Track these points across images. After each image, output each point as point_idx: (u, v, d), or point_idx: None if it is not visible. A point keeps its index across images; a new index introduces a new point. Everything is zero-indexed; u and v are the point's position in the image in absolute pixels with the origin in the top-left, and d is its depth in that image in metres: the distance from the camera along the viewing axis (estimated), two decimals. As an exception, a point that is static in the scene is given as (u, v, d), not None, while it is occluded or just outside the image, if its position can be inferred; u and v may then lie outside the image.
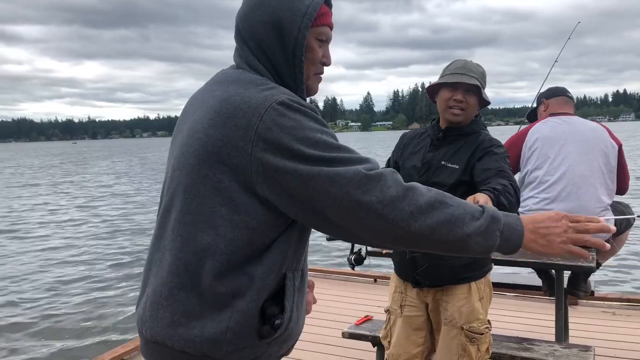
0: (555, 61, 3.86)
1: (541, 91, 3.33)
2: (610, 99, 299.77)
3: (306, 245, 1.28)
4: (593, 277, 4.08)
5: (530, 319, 4.07)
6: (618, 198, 3.26)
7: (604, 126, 3.09)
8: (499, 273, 4.46)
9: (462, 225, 1.12)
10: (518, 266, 2.94)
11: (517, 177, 3.16)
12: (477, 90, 2.19)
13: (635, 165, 20.07)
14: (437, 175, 2.21)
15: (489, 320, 2.26)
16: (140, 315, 1.24)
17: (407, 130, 2.67)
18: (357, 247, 2.54)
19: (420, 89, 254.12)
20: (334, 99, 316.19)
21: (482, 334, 2.18)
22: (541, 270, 3.34)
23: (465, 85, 2.18)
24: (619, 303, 4.45)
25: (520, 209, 3.08)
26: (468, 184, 2.13)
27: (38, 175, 31.57)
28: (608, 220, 1.76)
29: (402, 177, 2.38)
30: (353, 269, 2.60)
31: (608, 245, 1.22)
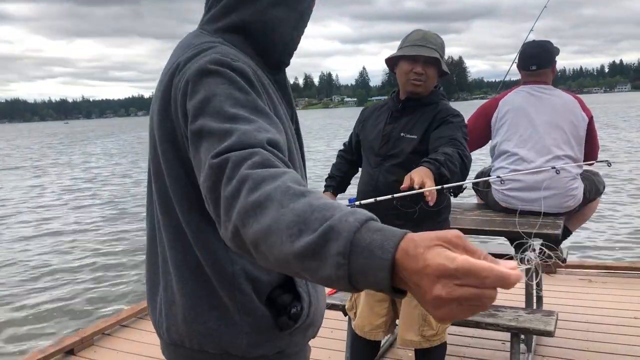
0: (531, 30, 3.83)
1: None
2: (606, 70, 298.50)
3: None
4: (567, 245, 4.15)
5: (505, 287, 4.13)
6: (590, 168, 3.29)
7: (576, 97, 3.09)
8: (471, 242, 4.52)
9: (284, 238, 0.71)
10: (486, 235, 2.98)
11: (489, 145, 3.20)
12: (436, 62, 2.19)
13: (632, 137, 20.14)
14: (396, 146, 2.23)
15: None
16: (157, 317, 1.17)
17: None
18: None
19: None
20: (329, 75, 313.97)
21: (443, 302, 2.22)
22: (512, 239, 3.38)
23: (424, 57, 2.18)
24: (596, 270, 4.52)
25: (490, 180, 3.11)
26: (424, 153, 2.14)
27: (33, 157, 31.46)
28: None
29: (364, 151, 2.41)
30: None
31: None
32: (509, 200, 3.02)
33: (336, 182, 2.61)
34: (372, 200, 1.97)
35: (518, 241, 3.31)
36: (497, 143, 3.06)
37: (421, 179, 1.70)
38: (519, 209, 2.99)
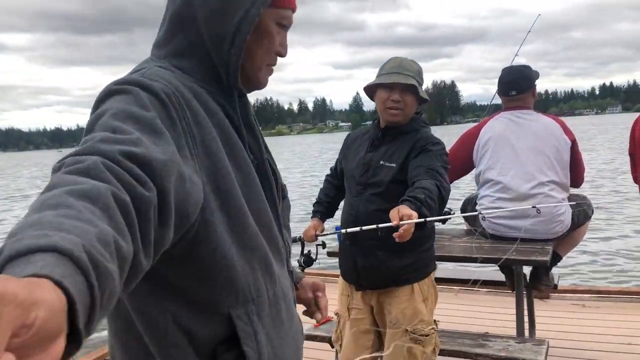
0: (516, 55, 3.86)
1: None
2: (597, 92, 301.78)
3: (260, 268, 1.00)
4: (559, 270, 4.12)
5: (497, 314, 4.08)
6: (576, 191, 3.28)
7: (558, 121, 3.09)
8: (464, 269, 4.48)
9: None
10: (475, 262, 2.95)
11: (473, 172, 3.18)
12: (413, 89, 2.18)
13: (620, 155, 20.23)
14: (376, 174, 2.21)
15: (435, 321, 2.26)
16: None
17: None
18: (306, 248, 2.53)
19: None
20: (324, 100, 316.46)
21: (427, 335, 2.18)
22: (503, 265, 3.35)
23: (401, 85, 2.17)
24: (589, 295, 4.47)
25: (477, 207, 3.09)
26: (404, 182, 2.11)
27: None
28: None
29: (346, 179, 2.39)
30: (303, 270, 2.59)
31: None
32: (496, 227, 2.99)
33: (323, 208, 2.58)
34: (357, 229, 1.96)
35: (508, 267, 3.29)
36: (480, 171, 3.05)
37: (400, 215, 1.70)
38: (507, 235, 2.97)
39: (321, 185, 2.67)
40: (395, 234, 1.69)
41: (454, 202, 5.22)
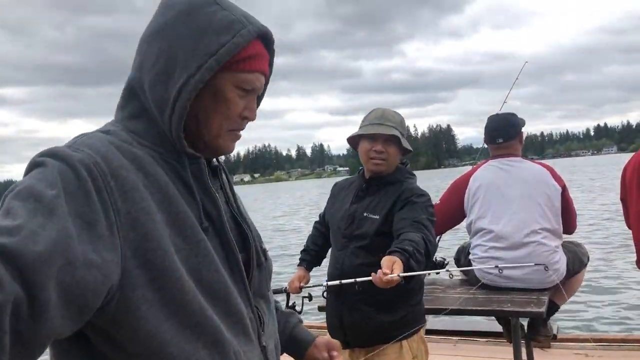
0: (504, 102, 3.87)
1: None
2: (592, 133, 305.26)
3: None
4: (560, 317, 4.00)
5: (497, 366, 3.94)
6: (570, 237, 3.23)
7: (547, 167, 3.07)
8: (462, 320, 4.35)
9: None
10: (469, 314, 2.85)
11: (464, 222, 3.13)
12: (396, 140, 2.16)
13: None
14: (360, 227, 2.17)
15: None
16: None
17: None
18: (291, 301, 2.45)
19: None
20: (321, 145, 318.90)
21: (418, 394, 2.08)
22: (499, 317, 3.25)
23: (384, 135, 2.16)
24: (592, 344, 4.33)
25: (470, 257, 3.02)
26: (389, 235, 2.07)
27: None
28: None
29: (332, 232, 2.34)
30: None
31: None
32: (490, 277, 2.91)
33: (310, 257, 2.53)
34: (337, 282, 1.92)
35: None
36: (472, 220, 3.00)
37: (391, 264, 1.65)
38: (501, 285, 2.89)
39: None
40: (378, 277, 1.65)
41: (445, 250, 5.15)
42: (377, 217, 2.14)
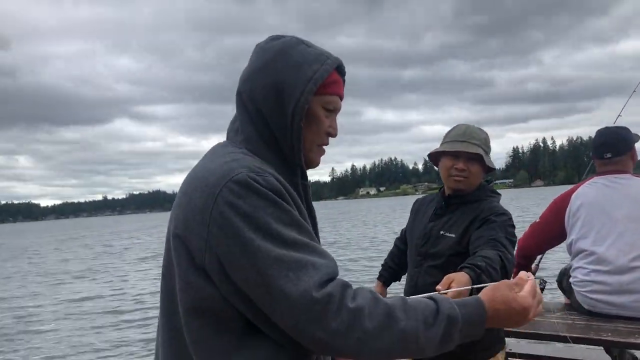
0: (619, 115, 3.60)
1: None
2: None
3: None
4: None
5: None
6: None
7: None
8: (561, 347, 4.04)
9: (416, 339, 1.03)
10: (564, 342, 2.68)
11: (564, 243, 2.94)
12: (479, 158, 2.13)
13: None
14: (435, 245, 2.15)
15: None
16: None
17: (422, 195, 2.63)
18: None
19: (541, 145, 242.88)
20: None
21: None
22: (609, 347, 3.01)
23: (467, 154, 2.13)
24: None
25: (571, 280, 2.85)
26: (465, 255, 2.02)
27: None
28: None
29: (409, 248, 2.33)
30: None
31: None
32: (592, 303, 2.72)
33: (388, 274, 2.57)
34: None
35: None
36: (572, 241, 2.81)
37: (449, 282, 1.63)
38: (605, 312, 2.69)
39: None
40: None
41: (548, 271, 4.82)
42: (453, 235, 2.11)
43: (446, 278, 1.68)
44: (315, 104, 1.16)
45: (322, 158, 1.26)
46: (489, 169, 2.20)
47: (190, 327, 1.07)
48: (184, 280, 1.07)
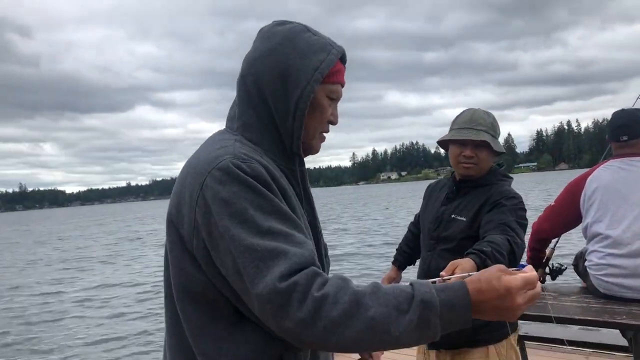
0: (638, 98, 3.52)
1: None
2: None
3: None
4: None
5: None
6: None
7: None
8: (579, 330, 4.03)
9: (388, 326, 0.95)
10: (580, 324, 2.68)
11: (580, 226, 2.92)
12: (486, 144, 2.13)
13: None
14: (447, 229, 2.17)
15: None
16: None
17: (433, 180, 2.63)
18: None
19: (565, 127, 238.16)
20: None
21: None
22: (624, 330, 2.99)
23: (473, 141, 2.13)
24: None
25: (586, 263, 2.84)
26: (476, 238, 2.03)
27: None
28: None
29: (422, 232, 2.34)
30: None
31: None
32: (608, 287, 2.70)
33: (403, 258, 2.59)
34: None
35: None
36: (587, 224, 2.79)
37: (453, 268, 1.64)
38: (621, 296, 2.67)
39: None
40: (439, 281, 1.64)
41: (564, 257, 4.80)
42: (464, 219, 2.12)
43: (450, 264, 1.70)
44: (320, 93, 1.17)
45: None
46: (499, 153, 2.19)
47: (186, 313, 1.10)
48: (177, 267, 1.10)
